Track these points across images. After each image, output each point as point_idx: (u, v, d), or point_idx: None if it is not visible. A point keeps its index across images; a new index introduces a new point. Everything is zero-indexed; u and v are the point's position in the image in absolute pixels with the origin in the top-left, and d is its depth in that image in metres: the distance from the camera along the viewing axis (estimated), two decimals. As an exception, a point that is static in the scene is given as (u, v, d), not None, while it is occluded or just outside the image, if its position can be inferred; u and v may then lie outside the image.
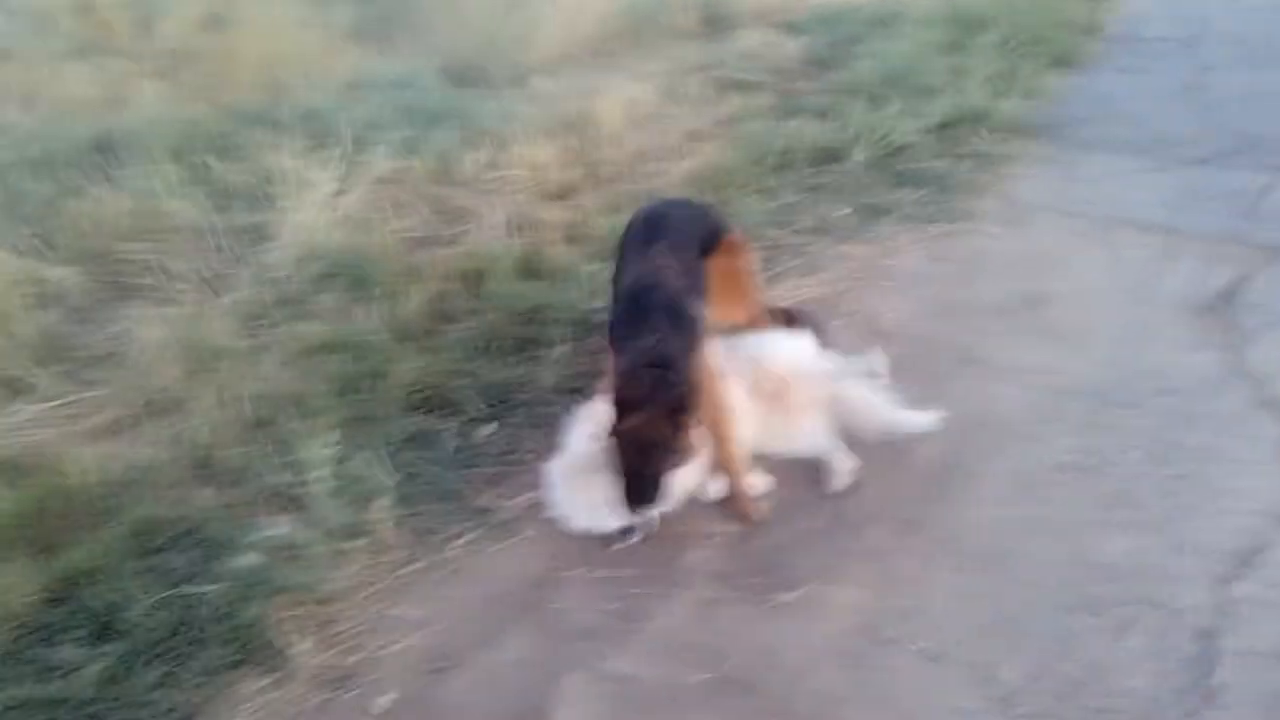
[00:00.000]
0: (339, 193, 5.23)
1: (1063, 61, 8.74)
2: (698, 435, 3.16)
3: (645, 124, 7.00)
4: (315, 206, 4.96)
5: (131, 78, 8.89)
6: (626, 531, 3.17)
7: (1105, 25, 9.95)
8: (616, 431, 3.04)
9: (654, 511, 3.16)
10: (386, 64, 8.80)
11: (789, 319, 4.17)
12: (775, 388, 3.61)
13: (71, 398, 3.81)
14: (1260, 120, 7.19)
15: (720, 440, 3.33)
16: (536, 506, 3.35)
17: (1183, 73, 8.58)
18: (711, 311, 3.61)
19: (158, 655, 2.70)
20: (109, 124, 7.01)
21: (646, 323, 3.23)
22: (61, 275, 4.62)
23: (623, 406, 3.04)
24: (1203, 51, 9.19)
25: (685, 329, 3.26)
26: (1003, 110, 7.18)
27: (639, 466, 3.05)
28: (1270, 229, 5.44)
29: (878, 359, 3.78)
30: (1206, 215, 5.65)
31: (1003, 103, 7.32)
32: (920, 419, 3.68)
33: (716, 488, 3.39)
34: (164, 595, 2.83)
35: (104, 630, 2.75)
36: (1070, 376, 4.11)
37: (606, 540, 3.18)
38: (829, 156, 6.47)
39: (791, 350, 3.81)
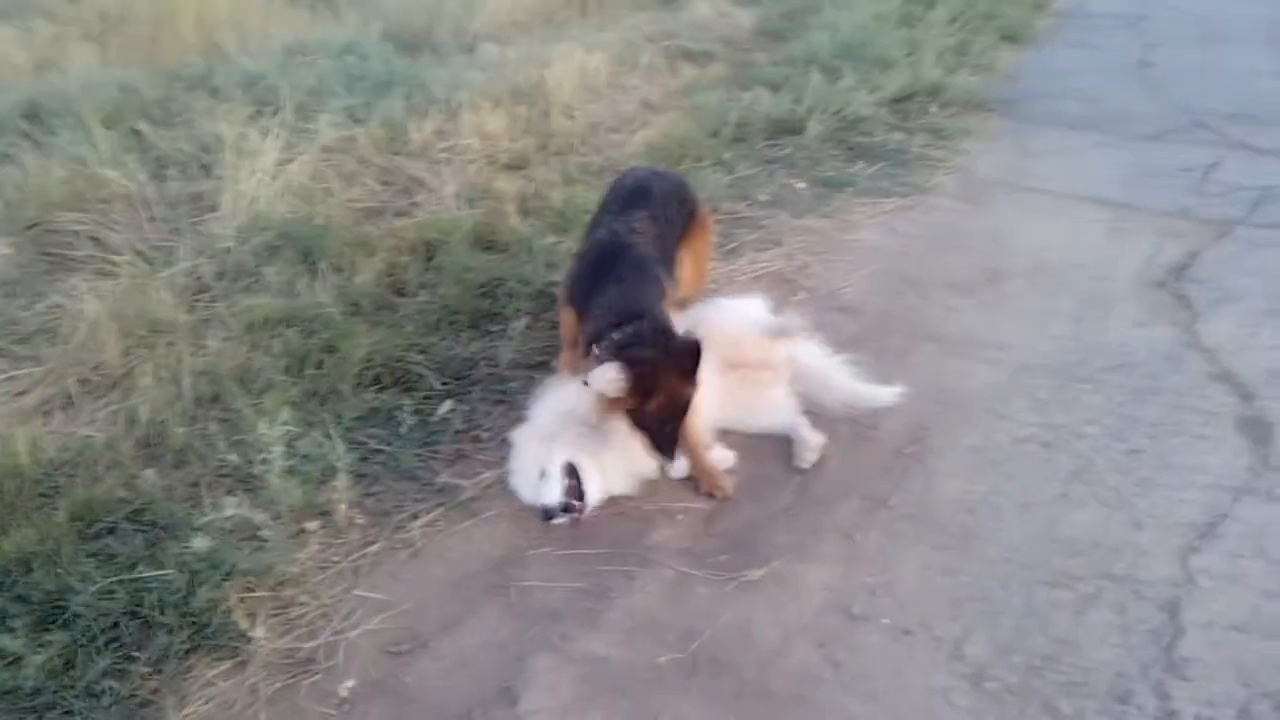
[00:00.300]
0: (283, 161, 5.05)
1: (1014, 36, 8.80)
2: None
3: (598, 94, 6.90)
4: (258, 176, 4.79)
5: (62, 41, 8.57)
6: (562, 510, 3.08)
7: (1055, 0, 10.03)
8: (645, 411, 3.04)
9: (592, 499, 3.13)
10: (328, 29, 8.56)
11: None
12: (741, 359, 3.56)
13: (4, 375, 3.63)
14: (1208, 96, 7.30)
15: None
16: (497, 485, 3.27)
17: (1132, 49, 8.67)
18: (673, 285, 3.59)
19: (107, 643, 2.57)
20: (38, 89, 6.72)
21: (611, 276, 3.19)
22: (-9, 247, 4.41)
23: (642, 386, 3.00)
24: (1151, 28, 9.30)
25: (651, 283, 3.22)
26: (956, 84, 7.20)
27: (665, 427, 3.08)
28: (1218, 205, 5.51)
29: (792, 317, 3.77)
30: (1158, 191, 5.71)
31: (956, 77, 7.34)
32: (882, 393, 3.67)
33: (680, 465, 3.32)
34: (112, 580, 2.70)
35: (49, 618, 2.62)
36: (1029, 352, 4.12)
37: (543, 515, 3.09)
38: (784, 129, 6.43)
39: (747, 315, 3.76)
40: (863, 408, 3.64)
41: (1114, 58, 8.50)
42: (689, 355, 3.02)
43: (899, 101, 6.96)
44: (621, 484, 3.20)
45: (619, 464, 3.16)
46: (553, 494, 3.08)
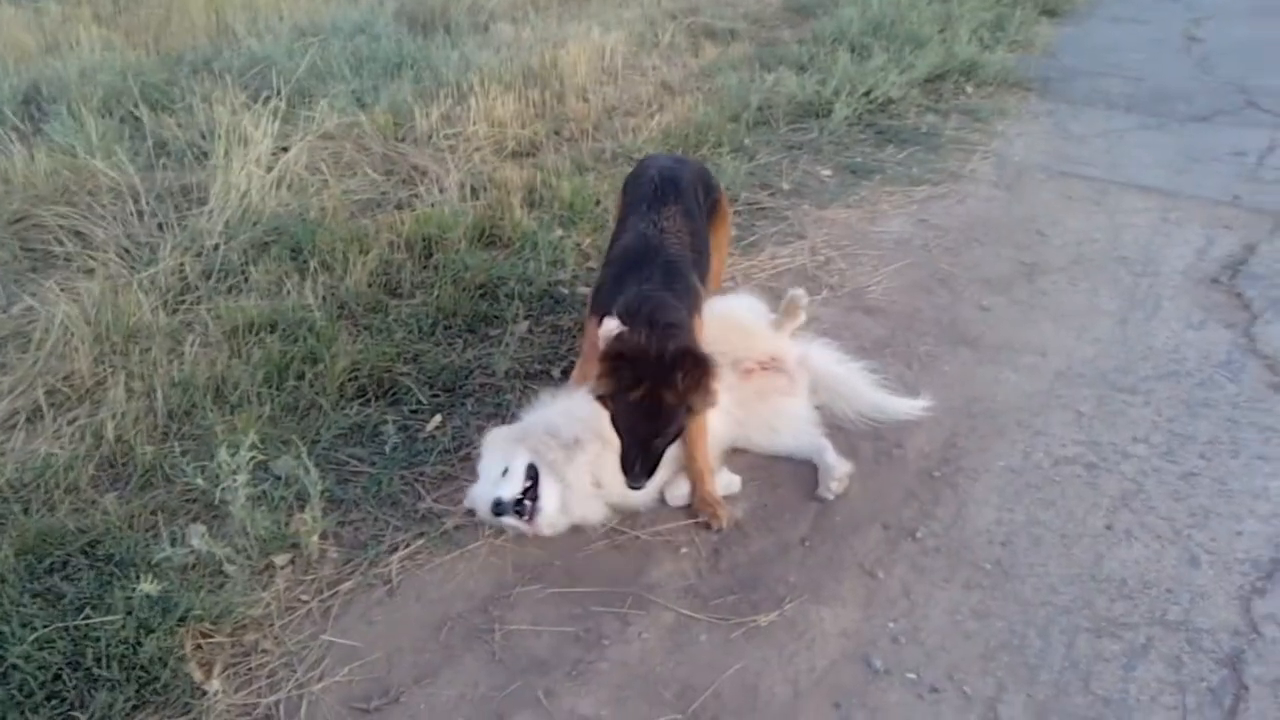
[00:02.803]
0: (279, 150, 4.80)
1: (1053, 10, 8.42)
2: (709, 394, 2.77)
3: (614, 76, 6.59)
4: (251, 165, 4.53)
5: (72, 23, 8.39)
6: (514, 508, 2.77)
7: (1097, -28, 9.58)
8: (621, 399, 2.68)
9: (546, 510, 2.82)
10: (342, 8, 8.31)
11: None
12: (751, 350, 3.26)
13: (-33, 386, 3.40)
14: (1261, 74, 6.88)
15: (692, 437, 2.98)
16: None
17: (1179, 22, 8.24)
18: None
19: (46, 698, 2.33)
20: (41, 74, 6.52)
21: (637, 280, 2.89)
22: (-32, 243, 4.19)
23: (623, 364, 2.66)
24: (1197, 0, 8.84)
25: (685, 296, 2.93)
26: (992, 62, 6.84)
27: (638, 437, 2.71)
28: (1275, 192, 5.14)
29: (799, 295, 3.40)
30: (1208, 177, 5.35)
31: (992, 54, 6.99)
32: (907, 405, 3.38)
33: (680, 492, 3.04)
34: (54, 627, 2.46)
35: (-18, 670, 2.39)
36: (1069, 358, 3.80)
37: (493, 508, 2.79)
38: (810, 112, 6.11)
39: (750, 308, 3.45)
40: (886, 421, 3.36)
41: (1159, 32, 8.07)
42: (683, 358, 2.66)
43: (932, 81, 6.62)
44: (588, 510, 2.91)
45: (585, 486, 2.87)
46: (510, 489, 2.79)
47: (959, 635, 2.60)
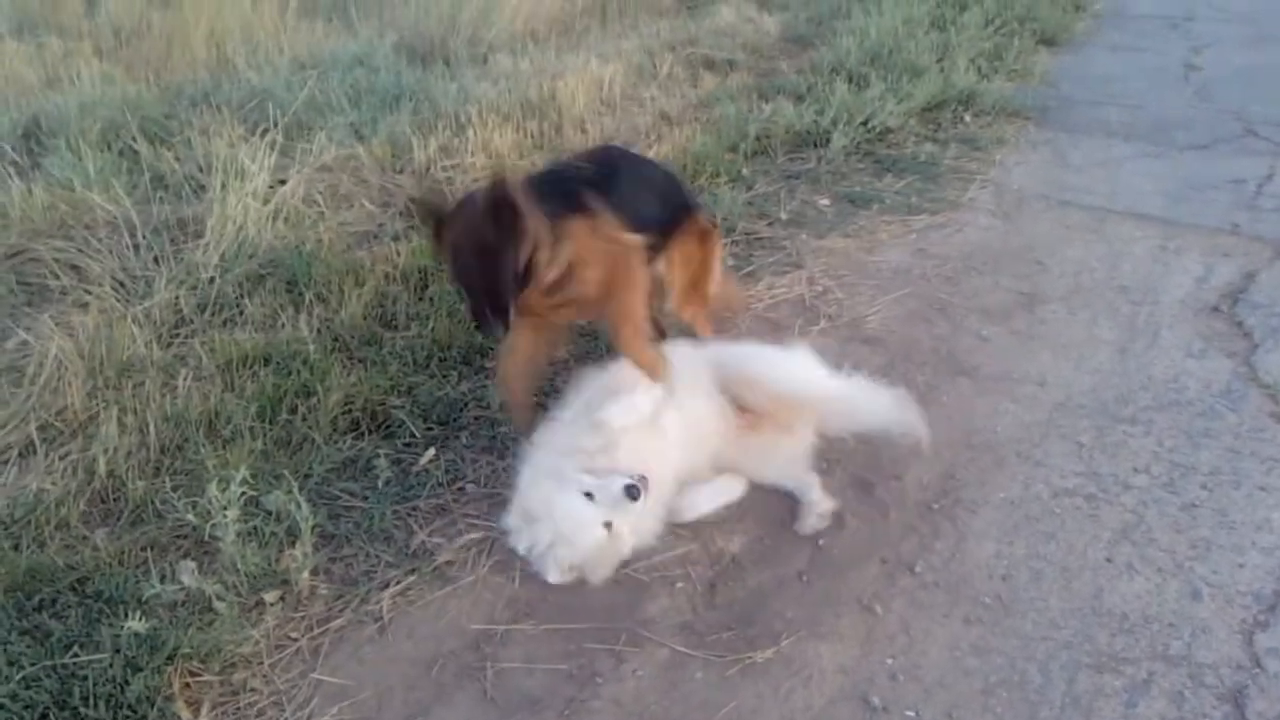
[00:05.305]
0: (276, 182, 4.80)
1: (1052, 39, 8.43)
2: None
3: (613, 107, 6.61)
4: (249, 198, 4.53)
5: (74, 57, 8.43)
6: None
7: (1095, 1, 9.63)
8: (445, 243, 2.83)
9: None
10: (341, 41, 8.36)
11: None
12: (764, 408, 3.22)
13: (-38, 421, 3.39)
14: (1259, 102, 6.88)
15: (616, 308, 3.07)
16: (479, 545, 2.97)
17: (1177, 51, 8.26)
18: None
19: (28, 740, 2.31)
20: (41, 108, 6.54)
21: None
22: (-36, 277, 4.18)
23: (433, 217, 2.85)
24: (1197, 29, 8.88)
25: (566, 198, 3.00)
26: (990, 91, 6.84)
27: (479, 276, 2.80)
28: (1274, 220, 5.12)
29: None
30: (1207, 206, 5.33)
31: (990, 83, 7.00)
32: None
33: (690, 505, 3.02)
34: (41, 665, 2.43)
35: (-36, 711, 2.36)
36: (1068, 388, 3.77)
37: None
38: (808, 142, 6.10)
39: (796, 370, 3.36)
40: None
41: (1157, 61, 8.09)
42: (494, 196, 2.71)
43: (930, 110, 6.62)
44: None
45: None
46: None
47: (958, 672, 2.56)
